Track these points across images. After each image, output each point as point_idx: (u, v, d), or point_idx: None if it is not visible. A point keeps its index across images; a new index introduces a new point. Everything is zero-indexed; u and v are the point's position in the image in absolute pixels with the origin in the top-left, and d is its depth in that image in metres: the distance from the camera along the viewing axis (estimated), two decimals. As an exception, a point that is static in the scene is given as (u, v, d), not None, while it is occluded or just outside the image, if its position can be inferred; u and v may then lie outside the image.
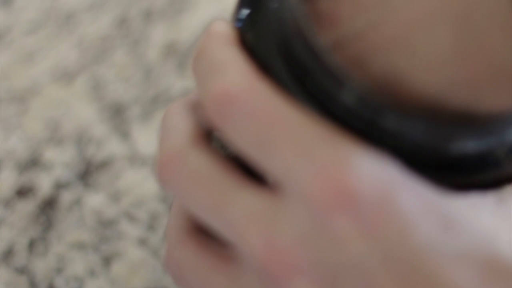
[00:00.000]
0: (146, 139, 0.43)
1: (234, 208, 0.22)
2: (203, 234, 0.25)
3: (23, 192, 0.40)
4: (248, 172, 0.23)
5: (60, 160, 0.42)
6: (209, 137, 0.24)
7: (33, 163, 0.42)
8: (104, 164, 0.41)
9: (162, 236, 0.38)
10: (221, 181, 0.22)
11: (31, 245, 0.38)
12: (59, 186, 0.40)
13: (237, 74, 0.22)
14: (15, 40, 0.48)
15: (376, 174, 0.20)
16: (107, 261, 0.37)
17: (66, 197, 0.40)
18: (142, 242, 0.38)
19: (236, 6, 0.24)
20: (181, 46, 0.48)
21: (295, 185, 0.20)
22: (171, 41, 0.48)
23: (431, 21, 0.21)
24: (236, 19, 0.24)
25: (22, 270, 0.37)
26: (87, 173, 0.41)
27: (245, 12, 0.24)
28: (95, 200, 0.40)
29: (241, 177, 0.22)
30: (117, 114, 0.44)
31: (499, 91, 0.21)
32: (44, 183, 0.41)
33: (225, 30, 0.24)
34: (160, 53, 0.47)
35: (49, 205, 0.40)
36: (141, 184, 0.41)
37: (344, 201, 0.20)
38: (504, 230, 0.21)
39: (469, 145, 0.21)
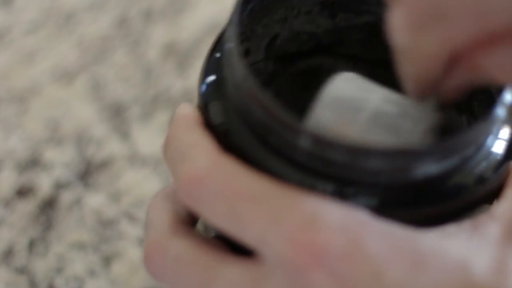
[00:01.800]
0: (146, 139, 0.43)
1: (221, 284, 0.23)
2: None
3: (23, 192, 0.40)
4: (236, 246, 0.24)
5: (60, 160, 0.42)
6: (193, 221, 0.26)
7: (33, 163, 0.42)
8: (104, 164, 0.41)
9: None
10: (204, 261, 0.24)
11: (31, 245, 0.38)
12: (59, 186, 0.40)
13: (201, 156, 0.23)
14: (15, 40, 0.48)
15: (342, 226, 0.21)
16: (107, 261, 0.37)
17: (66, 197, 0.40)
18: (142, 242, 0.38)
19: (203, 73, 0.26)
20: (181, 46, 0.48)
21: (271, 251, 0.22)
22: (171, 41, 0.48)
23: None
24: (203, 83, 0.26)
25: (22, 270, 0.37)
26: (87, 173, 0.41)
27: (211, 78, 0.26)
28: (95, 200, 0.40)
29: (223, 253, 0.24)
30: (117, 114, 0.44)
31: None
32: (44, 183, 0.41)
33: (188, 112, 0.25)
34: (160, 53, 0.47)
35: (49, 205, 0.40)
36: (141, 184, 0.41)
37: (316, 258, 0.21)
38: (479, 255, 0.22)
39: (431, 167, 0.23)
